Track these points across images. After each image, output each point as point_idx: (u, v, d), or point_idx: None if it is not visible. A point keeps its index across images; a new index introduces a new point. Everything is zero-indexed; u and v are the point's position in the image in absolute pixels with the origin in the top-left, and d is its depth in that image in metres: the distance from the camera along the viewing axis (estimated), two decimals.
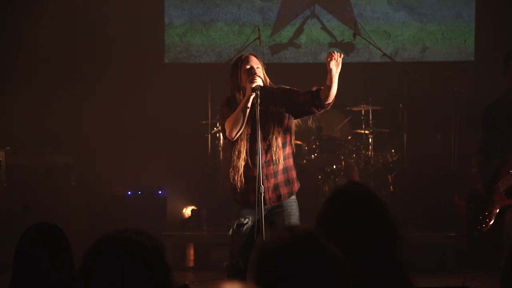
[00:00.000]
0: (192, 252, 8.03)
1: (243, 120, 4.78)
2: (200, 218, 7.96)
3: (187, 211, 8.30)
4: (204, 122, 8.51)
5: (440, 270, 7.44)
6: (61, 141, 8.58)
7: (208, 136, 8.47)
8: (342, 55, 4.78)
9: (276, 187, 4.85)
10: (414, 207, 8.09)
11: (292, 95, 4.88)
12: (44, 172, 7.77)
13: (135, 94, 9.17)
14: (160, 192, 8.19)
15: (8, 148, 8.01)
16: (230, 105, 4.92)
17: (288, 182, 4.92)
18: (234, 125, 4.79)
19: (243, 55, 5.01)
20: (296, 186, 4.97)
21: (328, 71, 4.73)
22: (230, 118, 4.81)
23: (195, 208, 8.26)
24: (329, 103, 4.85)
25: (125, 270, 2.05)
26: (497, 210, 5.16)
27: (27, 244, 3.10)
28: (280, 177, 4.88)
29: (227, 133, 4.85)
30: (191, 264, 7.94)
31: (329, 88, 4.76)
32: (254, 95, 4.75)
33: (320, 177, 8.04)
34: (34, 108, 8.77)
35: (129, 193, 8.09)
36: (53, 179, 7.86)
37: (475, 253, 7.53)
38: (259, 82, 4.81)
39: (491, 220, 5.15)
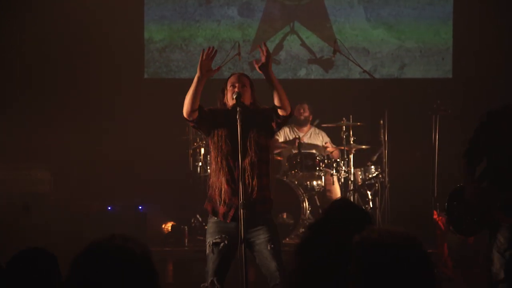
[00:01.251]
0: (171, 268, 7.98)
1: (195, 96, 4.71)
2: (181, 233, 7.94)
3: (167, 226, 8.26)
4: (184, 137, 8.51)
5: None
6: (39, 156, 8.51)
7: (188, 152, 8.46)
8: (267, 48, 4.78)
9: (252, 204, 4.81)
10: (393, 223, 8.12)
11: (267, 115, 4.90)
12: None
13: (115, 109, 9.16)
14: (140, 207, 8.15)
15: None
16: (211, 111, 4.92)
17: (263, 200, 4.90)
18: (187, 101, 4.72)
19: (233, 73, 5.05)
20: (270, 205, 4.95)
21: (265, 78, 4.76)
22: (186, 97, 4.78)
23: (175, 224, 8.23)
24: (287, 114, 4.81)
25: (115, 277, 2.06)
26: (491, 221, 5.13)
27: (17, 270, 3.04)
28: (256, 195, 4.85)
29: (183, 111, 4.76)
30: (170, 280, 7.89)
31: (276, 95, 4.75)
32: (203, 79, 4.72)
33: (300, 193, 8.05)
34: (12, 124, 8.71)
35: (109, 208, 8.05)
36: (31, 195, 7.80)
37: (455, 268, 7.59)
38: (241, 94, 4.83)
39: (478, 230, 5.16)
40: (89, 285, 2.08)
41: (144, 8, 9.64)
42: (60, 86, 9.23)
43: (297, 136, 8.71)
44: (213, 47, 4.81)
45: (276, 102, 4.76)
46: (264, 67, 4.75)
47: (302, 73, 9.73)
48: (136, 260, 2.11)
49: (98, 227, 7.43)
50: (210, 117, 4.90)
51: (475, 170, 5.24)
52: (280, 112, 4.79)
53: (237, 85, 4.89)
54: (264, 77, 4.79)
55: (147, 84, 9.61)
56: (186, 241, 7.92)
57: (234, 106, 4.80)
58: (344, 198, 2.98)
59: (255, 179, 4.83)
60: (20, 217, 7.50)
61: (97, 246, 2.15)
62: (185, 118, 4.83)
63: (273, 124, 4.88)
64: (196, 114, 4.79)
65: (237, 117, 4.70)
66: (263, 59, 4.77)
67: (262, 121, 4.90)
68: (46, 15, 9.15)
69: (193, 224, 8.10)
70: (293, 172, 8.29)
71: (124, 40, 9.39)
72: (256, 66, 4.81)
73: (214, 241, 4.82)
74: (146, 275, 2.13)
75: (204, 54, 4.76)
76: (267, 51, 4.78)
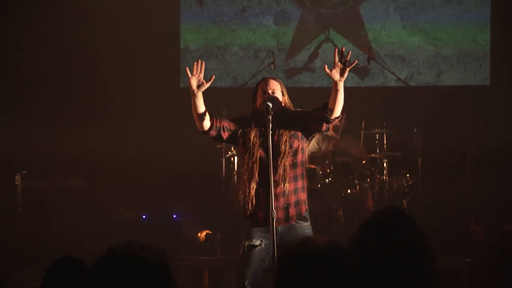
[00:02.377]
0: (206, 276, 8.00)
1: (196, 110, 4.83)
2: (214, 242, 7.96)
3: (202, 235, 8.29)
4: (218, 146, 8.54)
5: None
6: (75, 165, 8.63)
7: (222, 160, 8.49)
8: (350, 53, 4.74)
9: (285, 207, 4.83)
10: (429, 232, 8.01)
11: (302, 117, 4.90)
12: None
13: (151, 118, 9.24)
14: (175, 216, 8.20)
15: (24, 172, 8.06)
16: (238, 120, 4.96)
17: (297, 203, 4.90)
18: (194, 117, 4.85)
19: (264, 77, 5.07)
20: (304, 208, 4.95)
21: (333, 82, 4.73)
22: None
23: (210, 232, 8.26)
24: (335, 118, 4.80)
25: (129, 285, 2.07)
26: None
27: (52, 281, 3.08)
28: (290, 198, 4.87)
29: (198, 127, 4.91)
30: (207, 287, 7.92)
31: (333, 100, 4.72)
32: (198, 91, 4.85)
33: (334, 201, 8.02)
34: (48, 133, 8.85)
35: (144, 217, 8.11)
36: (68, 203, 7.90)
37: (492, 279, 7.48)
38: (271, 103, 4.84)
39: None
40: None
41: (180, 17, 9.71)
42: (97, 97, 9.34)
43: (332, 145, 8.68)
44: (200, 60, 4.85)
45: (332, 104, 4.74)
46: (341, 74, 4.71)
47: None
48: (151, 267, 2.12)
49: (133, 236, 7.47)
50: (234, 125, 4.93)
51: None
52: (330, 117, 4.77)
53: (268, 92, 4.91)
54: (333, 81, 4.74)
55: (183, 93, 9.62)
56: (220, 249, 7.93)
57: (262, 113, 4.82)
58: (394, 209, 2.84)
59: (287, 182, 4.84)
60: (46, 224, 7.58)
61: (112, 254, 2.17)
62: (201, 132, 4.90)
63: (312, 125, 4.88)
64: (208, 126, 4.86)
65: (267, 125, 4.74)
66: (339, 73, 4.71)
67: (296, 124, 4.91)
68: (79, 21, 9.28)
69: (226, 233, 8.11)
70: (327, 180, 8.25)
71: (160, 49, 9.48)
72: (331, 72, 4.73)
73: (249, 243, 4.85)
74: (161, 283, 2.13)
75: (194, 69, 4.83)
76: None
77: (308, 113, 4.89)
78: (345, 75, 4.72)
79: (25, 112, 9.17)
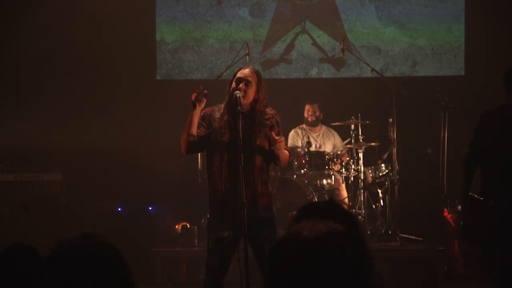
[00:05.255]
0: (184, 268, 8.02)
1: (187, 134, 4.89)
2: (190, 234, 7.98)
3: (178, 227, 8.29)
4: None
5: (430, 285, 7.44)
6: (50, 158, 8.59)
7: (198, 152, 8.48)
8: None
9: (252, 199, 4.85)
10: (403, 221, 8.09)
11: (267, 125, 4.96)
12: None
13: (127, 110, 9.21)
14: (150, 208, 8.21)
15: None
16: (207, 118, 5.00)
17: (263, 195, 4.94)
18: (182, 141, 4.90)
19: (241, 67, 5.09)
20: (268, 201, 5.00)
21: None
22: (182, 134, 4.90)
23: (186, 224, 8.26)
24: (281, 166, 5.25)
25: (81, 277, 2.08)
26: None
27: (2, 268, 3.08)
28: (257, 190, 4.89)
29: (182, 148, 4.94)
30: (183, 280, 7.93)
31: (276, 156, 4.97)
32: (197, 111, 4.93)
33: (309, 192, 8.05)
34: (23, 126, 8.80)
35: (119, 209, 8.11)
36: (42, 197, 7.87)
37: (466, 265, 7.56)
38: (241, 94, 4.86)
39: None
40: (59, 286, 2.11)
41: (155, 9, 9.68)
42: (70, 88, 9.29)
43: (308, 136, 8.72)
44: (201, 87, 4.95)
45: (276, 161, 5.00)
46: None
47: (313, 72, 9.72)
48: (102, 260, 2.13)
49: (108, 228, 7.50)
50: (206, 129, 5.00)
51: (472, 178, 5.21)
52: (275, 164, 5.07)
53: (242, 82, 4.92)
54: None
55: (159, 85, 9.66)
56: (196, 241, 7.95)
57: (233, 103, 4.85)
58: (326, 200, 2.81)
59: (254, 175, 4.87)
60: (21, 217, 7.56)
61: (61, 247, 2.17)
62: (187, 153, 5.06)
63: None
64: (194, 150, 5.02)
65: (237, 117, 4.76)
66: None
67: (263, 125, 4.93)
68: (55, 15, 9.22)
69: (203, 224, 8.13)
70: (302, 171, 8.29)
71: (136, 42, 9.44)
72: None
73: (216, 235, 4.87)
74: (112, 275, 2.14)
75: (197, 92, 4.91)
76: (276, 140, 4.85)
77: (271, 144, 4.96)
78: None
79: None
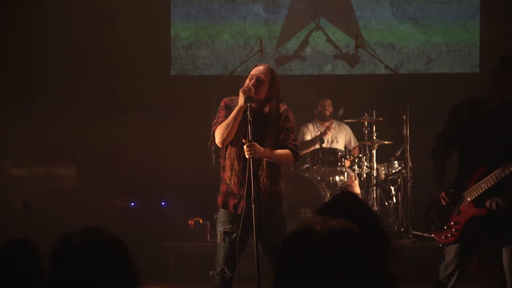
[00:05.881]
0: (196, 263, 8.04)
1: (233, 129, 4.83)
2: (203, 229, 7.99)
3: (191, 222, 8.32)
4: (208, 133, 8.53)
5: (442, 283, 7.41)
6: (65, 152, 8.64)
7: (211, 147, 8.50)
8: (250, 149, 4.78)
9: (262, 196, 4.86)
10: (417, 218, 8.06)
11: (280, 123, 4.96)
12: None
13: (141, 106, 9.25)
14: (163, 203, 8.23)
15: (13, 159, 8.08)
16: (229, 107, 4.98)
17: (271, 193, 4.94)
18: (223, 133, 4.86)
19: (257, 64, 5.09)
20: (278, 198, 5.01)
21: None
22: (220, 126, 4.87)
23: (199, 219, 8.28)
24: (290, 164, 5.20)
25: (85, 271, 2.09)
26: (465, 220, 5.15)
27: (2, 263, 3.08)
28: (267, 186, 4.90)
29: (216, 140, 4.93)
30: (196, 274, 7.95)
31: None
32: (246, 105, 4.81)
33: (322, 188, 8.05)
34: (38, 121, 8.86)
35: (133, 204, 8.14)
36: (56, 191, 7.92)
37: (479, 263, 7.52)
38: (250, 92, 4.86)
39: (459, 230, 5.14)
40: (63, 280, 2.11)
41: (170, 5, 9.71)
42: (85, 82, 9.33)
43: (320, 132, 8.71)
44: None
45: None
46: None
47: (327, 69, 9.71)
48: (105, 254, 2.14)
49: (121, 223, 7.54)
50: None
51: (444, 168, 5.27)
52: None
53: (253, 79, 4.93)
54: None
55: (174, 81, 9.68)
56: (209, 236, 7.97)
57: (247, 101, 4.85)
58: (349, 192, 2.84)
59: (264, 172, 4.88)
60: (34, 210, 7.61)
61: (65, 241, 2.18)
62: (216, 144, 5.00)
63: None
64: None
65: (248, 112, 4.77)
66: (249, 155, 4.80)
67: (275, 122, 4.94)
68: (70, 10, 9.26)
69: (215, 220, 8.14)
70: (315, 167, 8.29)
71: (151, 38, 9.47)
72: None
73: (225, 229, 4.89)
74: (117, 269, 2.15)
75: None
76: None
77: (281, 140, 4.96)
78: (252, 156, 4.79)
79: (15, 100, 9.16)
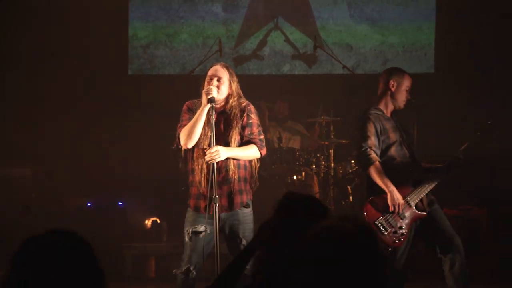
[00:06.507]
0: (153, 263, 8.03)
1: (197, 131, 4.85)
2: (160, 229, 7.98)
3: (148, 222, 8.30)
4: (167, 133, 8.50)
5: None
6: (20, 153, 8.53)
7: (171, 147, 8.47)
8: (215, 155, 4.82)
9: (228, 195, 4.89)
10: None
11: (244, 130, 5.01)
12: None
13: (98, 105, 9.18)
14: (120, 203, 8.19)
15: None
16: (192, 110, 4.99)
17: (241, 192, 4.97)
18: (188, 135, 4.88)
19: (213, 64, 5.12)
20: (246, 197, 5.02)
21: None
22: (185, 128, 4.89)
23: (157, 219, 8.27)
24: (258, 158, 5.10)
25: (49, 273, 2.08)
26: (410, 224, 5.29)
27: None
28: (234, 186, 4.93)
29: (182, 142, 4.95)
30: (152, 275, 7.93)
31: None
32: (209, 105, 4.83)
33: (280, 187, 8.08)
34: None
35: (89, 204, 8.08)
36: (13, 192, 7.82)
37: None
38: (214, 93, 4.88)
39: (405, 234, 5.26)
40: (28, 281, 2.11)
41: (128, 5, 9.66)
42: (42, 82, 9.23)
43: (279, 132, 8.76)
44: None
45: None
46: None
47: (286, 69, 9.75)
48: (70, 255, 2.14)
49: (78, 223, 7.47)
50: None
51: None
52: None
53: (213, 79, 4.96)
54: None
55: (131, 81, 9.63)
56: (165, 236, 7.96)
57: (209, 102, 4.87)
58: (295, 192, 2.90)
59: (231, 172, 4.90)
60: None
61: (30, 243, 2.18)
62: (182, 146, 5.00)
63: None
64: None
65: (211, 114, 4.80)
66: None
67: (238, 119, 4.97)
68: (26, 8, 9.16)
69: (174, 220, 8.13)
70: (273, 167, 8.32)
71: (109, 37, 9.40)
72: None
73: (193, 229, 4.90)
74: (81, 270, 2.15)
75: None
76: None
77: (246, 134, 5.00)
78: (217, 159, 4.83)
79: None
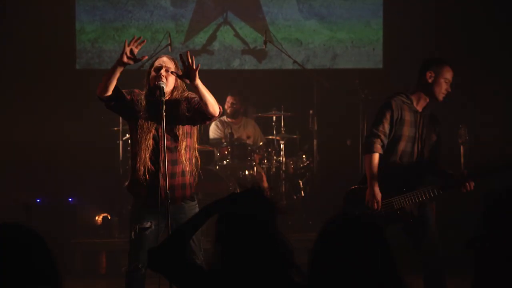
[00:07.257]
0: (104, 259, 7.95)
1: (112, 80, 4.74)
2: (111, 225, 7.91)
3: (99, 218, 8.21)
4: (115, 128, 8.45)
5: None
6: None
7: (119, 143, 8.41)
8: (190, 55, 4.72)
9: (171, 188, 4.83)
10: (325, 211, 8.21)
11: (190, 107, 4.90)
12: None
13: (45, 100, 9.04)
14: (70, 199, 8.09)
15: None
16: (134, 94, 4.93)
17: (184, 186, 4.94)
18: (103, 83, 4.76)
19: (158, 56, 5.05)
20: (190, 191, 4.99)
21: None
22: (102, 78, 4.80)
23: (107, 215, 8.18)
24: (213, 115, 4.81)
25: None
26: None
27: None
28: (177, 179, 4.90)
29: (97, 91, 4.81)
30: (103, 271, 7.86)
31: (204, 101, 4.74)
32: (127, 63, 4.75)
33: (232, 183, 8.09)
34: None
35: (38, 200, 7.96)
36: None
37: None
38: (164, 84, 4.83)
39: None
40: None
41: None
42: None
43: (231, 127, 8.76)
44: (141, 37, 4.81)
45: (205, 107, 4.76)
46: (192, 76, 4.68)
47: (235, 64, 9.75)
48: (24, 250, 2.11)
49: (28, 220, 7.35)
50: (131, 100, 4.90)
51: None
52: (208, 114, 4.80)
53: (162, 69, 4.90)
54: (190, 84, 4.75)
55: (79, 75, 9.50)
56: (116, 232, 7.89)
57: (155, 92, 4.82)
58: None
59: (177, 165, 4.87)
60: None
61: None
62: (98, 96, 4.82)
63: (198, 118, 4.91)
64: (109, 94, 4.78)
65: (161, 107, 4.73)
66: (191, 70, 4.67)
67: (186, 109, 4.92)
68: None
69: (123, 215, 8.06)
70: (225, 162, 8.32)
71: (55, 31, 9.25)
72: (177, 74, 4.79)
73: (140, 226, 4.84)
74: (35, 264, 2.13)
75: (132, 42, 4.75)
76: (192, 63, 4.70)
77: (194, 104, 4.88)
78: (196, 77, 4.69)
79: None
